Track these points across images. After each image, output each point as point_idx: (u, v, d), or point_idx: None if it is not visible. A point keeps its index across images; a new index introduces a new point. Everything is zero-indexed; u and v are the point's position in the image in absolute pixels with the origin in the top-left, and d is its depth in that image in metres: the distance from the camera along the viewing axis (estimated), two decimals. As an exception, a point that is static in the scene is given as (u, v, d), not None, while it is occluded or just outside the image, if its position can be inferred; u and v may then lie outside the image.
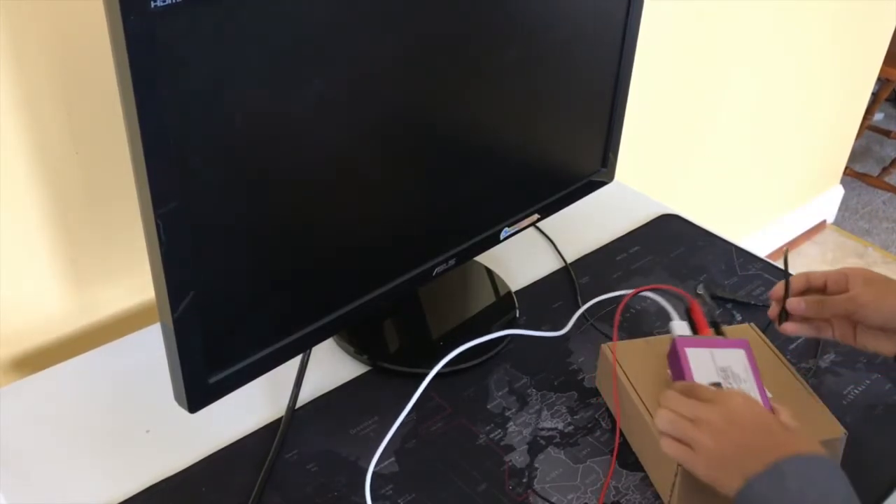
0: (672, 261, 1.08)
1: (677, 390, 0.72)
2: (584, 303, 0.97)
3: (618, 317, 0.84)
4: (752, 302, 1.00)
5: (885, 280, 0.77)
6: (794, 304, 0.79)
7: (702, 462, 0.66)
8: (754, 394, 0.72)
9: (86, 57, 0.84)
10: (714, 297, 1.00)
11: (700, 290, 1.00)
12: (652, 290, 0.86)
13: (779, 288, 0.81)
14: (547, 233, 1.12)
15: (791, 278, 0.81)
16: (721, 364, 0.75)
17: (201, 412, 0.70)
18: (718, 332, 0.81)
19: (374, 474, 0.77)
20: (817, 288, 0.80)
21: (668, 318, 0.82)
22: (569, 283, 1.03)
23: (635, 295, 0.87)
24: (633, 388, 0.79)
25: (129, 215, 0.94)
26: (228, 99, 0.60)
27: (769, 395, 0.73)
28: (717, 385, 0.73)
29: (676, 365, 0.76)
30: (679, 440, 0.68)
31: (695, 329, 0.80)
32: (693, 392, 0.71)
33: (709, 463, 0.66)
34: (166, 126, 0.57)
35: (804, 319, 0.80)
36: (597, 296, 0.98)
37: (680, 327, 0.80)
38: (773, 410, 0.69)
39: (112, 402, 0.85)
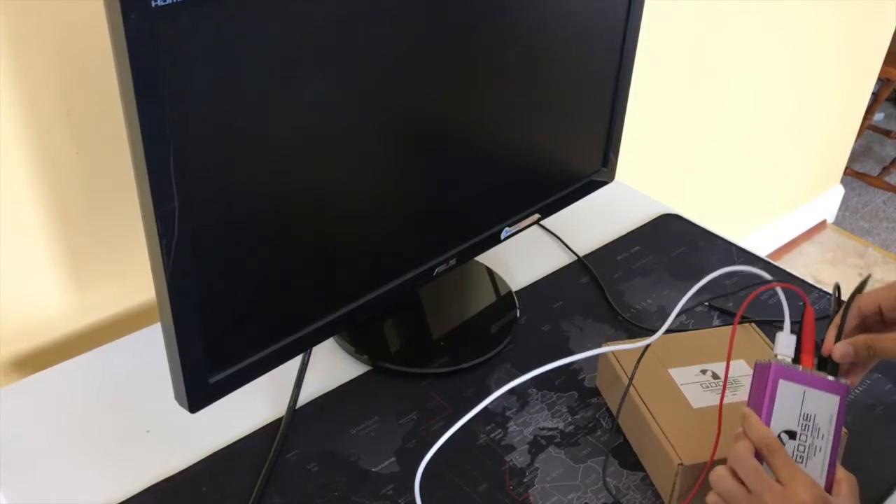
0: (672, 260, 1.08)
1: (755, 439, 0.64)
2: (615, 303, 0.97)
3: (743, 308, 0.71)
4: (753, 318, 0.95)
5: None
6: (842, 353, 0.67)
7: None
8: (825, 454, 0.65)
9: (86, 57, 0.84)
10: (717, 309, 0.99)
11: (706, 302, 1.00)
12: (775, 286, 0.73)
13: (831, 338, 0.69)
14: (546, 233, 1.12)
15: (842, 312, 0.69)
16: (807, 409, 0.65)
17: (202, 412, 0.70)
18: (822, 366, 0.68)
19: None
20: (871, 314, 0.70)
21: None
22: (570, 283, 1.03)
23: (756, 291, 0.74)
24: (633, 388, 0.79)
25: (129, 215, 0.94)
26: (229, 98, 0.60)
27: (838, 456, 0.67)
28: (793, 434, 0.65)
29: (760, 393, 0.66)
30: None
31: (799, 348, 0.68)
32: (770, 453, 0.63)
33: None
34: (167, 126, 0.57)
35: (853, 364, 0.69)
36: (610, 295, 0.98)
37: (784, 344, 0.68)
38: (834, 481, 0.64)
39: (112, 402, 0.85)
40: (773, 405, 0.65)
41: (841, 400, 0.66)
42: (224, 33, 0.58)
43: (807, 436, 0.65)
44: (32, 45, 0.80)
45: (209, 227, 0.64)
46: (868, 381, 0.89)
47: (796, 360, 0.67)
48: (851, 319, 0.70)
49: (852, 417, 0.84)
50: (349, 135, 0.71)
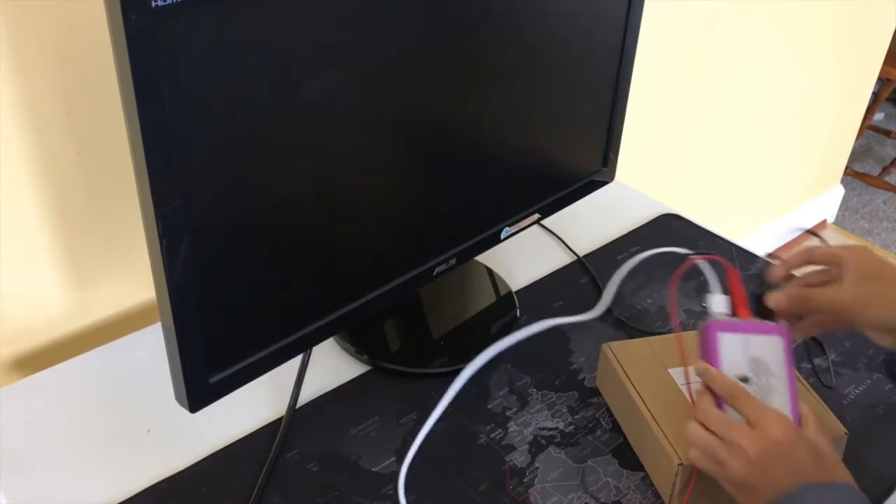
0: (673, 260, 1.08)
1: (718, 389, 0.67)
2: (615, 303, 0.99)
3: (674, 290, 0.81)
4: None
5: (878, 275, 0.71)
6: (775, 301, 0.73)
7: (729, 481, 0.65)
8: (783, 392, 0.68)
9: (86, 57, 0.84)
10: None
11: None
12: (699, 258, 0.80)
13: (777, 269, 0.76)
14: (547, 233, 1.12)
15: (790, 254, 0.76)
16: (754, 354, 0.69)
17: (202, 412, 0.70)
18: (760, 312, 0.73)
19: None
20: (816, 264, 0.76)
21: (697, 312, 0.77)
22: (570, 283, 1.03)
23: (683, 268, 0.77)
24: (633, 388, 0.79)
25: (129, 215, 0.94)
26: (229, 98, 0.60)
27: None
28: (746, 380, 0.68)
29: (707, 349, 0.70)
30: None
31: (733, 306, 0.72)
32: (734, 399, 0.66)
33: (736, 484, 0.64)
34: (167, 126, 0.57)
35: (794, 321, 0.75)
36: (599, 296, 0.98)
37: (718, 303, 0.72)
38: (800, 417, 0.67)
39: (112, 402, 0.85)
40: (718, 357, 0.68)
41: (785, 340, 0.69)
42: (224, 33, 0.58)
43: (760, 378, 0.68)
44: (32, 45, 0.80)
45: (209, 226, 0.64)
46: (868, 382, 0.89)
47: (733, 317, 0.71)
48: (797, 259, 0.76)
49: (852, 417, 0.84)
50: (349, 135, 0.71)
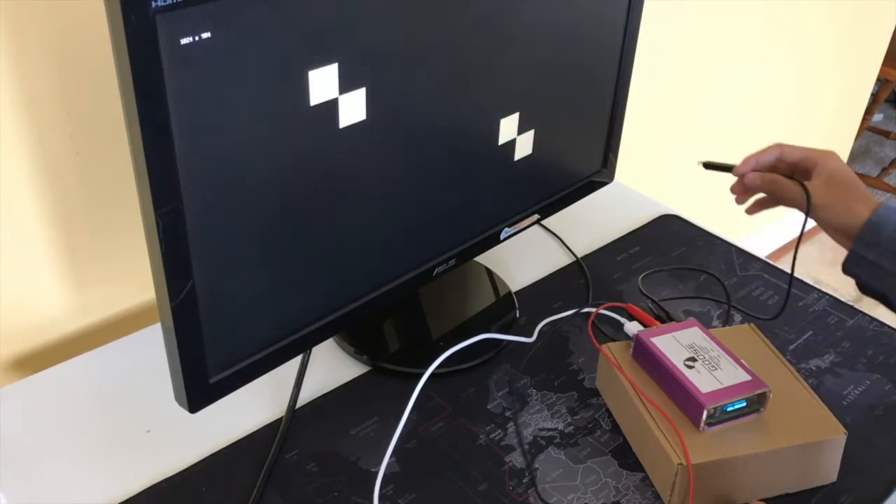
0: (672, 261, 1.08)
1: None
2: (593, 300, 0.99)
3: (590, 330, 0.88)
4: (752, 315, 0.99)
5: (846, 183, 0.79)
6: (751, 178, 0.85)
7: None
8: (727, 358, 0.78)
9: (86, 57, 0.84)
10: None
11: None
12: (604, 309, 0.92)
13: (747, 164, 0.87)
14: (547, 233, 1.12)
15: (765, 148, 0.86)
16: (685, 342, 0.80)
17: (201, 412, 0.70)
18: (669, 320, 0.90)
19: (374, 474, 0.77)
20: (788, 163, 0.85)
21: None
22: (569, 283, 1.03)
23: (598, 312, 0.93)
24: (633, 388, 0.79)
25: (129, 215, 0.94)
26: (229, 99, 0.60)
27: (743, 361, 0.78)
28: (693, 359, 0.78)
29: (648, 356, 0.80)
30: None
31: (645, 326, 0.86)
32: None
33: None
34: (167, 126, 0.57)
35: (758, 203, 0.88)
36: (598, 297, 0.98)
37: (632, 326, 0.87)
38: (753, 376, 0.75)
39: (112, 402, 0.85)
40: (661, 354, 0.79)
41: (700, 327, 0.82)
42: (224, 33, 0.58)
43: (703, 354, 0.79)
44: (32, 45, 0.80)
45: (209, 226, 0.64)
46: (868, 382, 0.89)
47: None
48: (770, 154, 0.85)
49: (852, 417, 0.84)
50: (349, 135, 0.71)
